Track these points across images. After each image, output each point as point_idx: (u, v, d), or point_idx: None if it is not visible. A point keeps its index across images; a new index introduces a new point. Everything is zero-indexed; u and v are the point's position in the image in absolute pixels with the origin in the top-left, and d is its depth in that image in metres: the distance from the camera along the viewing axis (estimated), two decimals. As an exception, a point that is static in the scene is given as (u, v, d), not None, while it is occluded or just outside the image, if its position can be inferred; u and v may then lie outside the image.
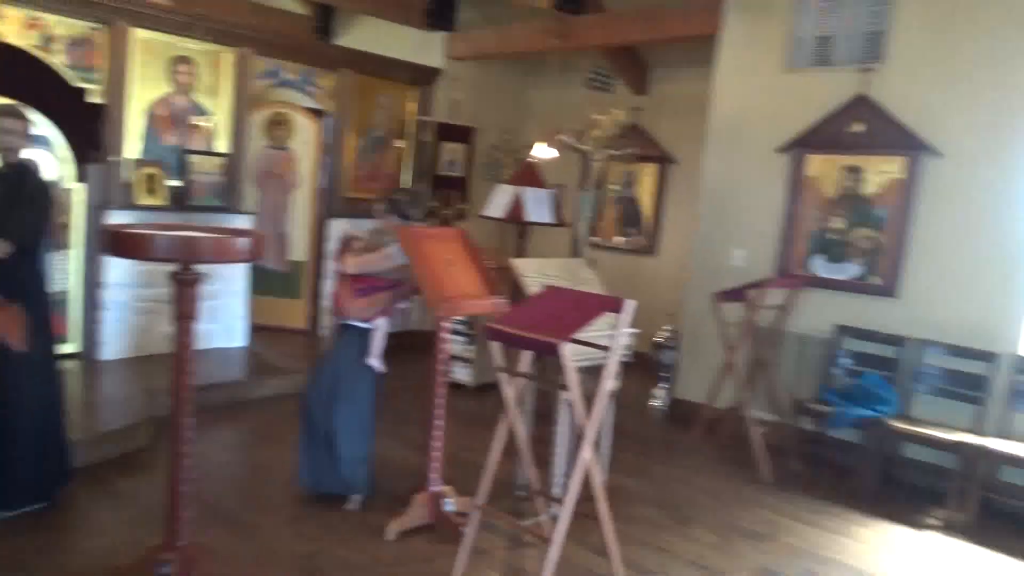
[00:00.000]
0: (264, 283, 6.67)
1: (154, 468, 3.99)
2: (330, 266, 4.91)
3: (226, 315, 6.08)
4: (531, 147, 6.64)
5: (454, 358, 5.88)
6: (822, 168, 5.13)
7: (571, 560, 3.33)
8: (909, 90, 4.75)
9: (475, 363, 6.05)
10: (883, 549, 3.80)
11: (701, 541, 3.71)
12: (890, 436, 4.48)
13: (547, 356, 3.92)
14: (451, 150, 7.60)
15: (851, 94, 4.94)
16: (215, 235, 2.77)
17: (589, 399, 3.07)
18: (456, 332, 5.85)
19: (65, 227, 5.29)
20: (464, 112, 7.64)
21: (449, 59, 7.48)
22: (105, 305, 5.46)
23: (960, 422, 4.47)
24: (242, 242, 2.75)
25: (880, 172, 4.88)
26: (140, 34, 5.49)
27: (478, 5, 7.38)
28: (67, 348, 5.33)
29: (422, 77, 7.40)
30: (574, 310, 3.08)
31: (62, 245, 5.28)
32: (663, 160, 7.24)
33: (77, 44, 5.25)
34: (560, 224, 6.15)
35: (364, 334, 3.79)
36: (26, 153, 3.50)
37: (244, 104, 6.13)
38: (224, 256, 2.82)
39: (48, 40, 5.12)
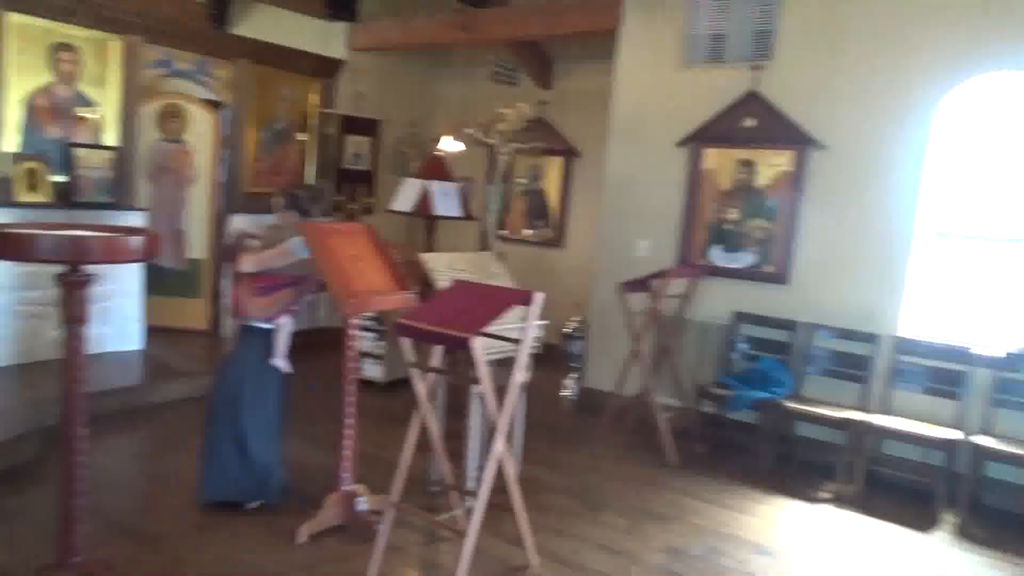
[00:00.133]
0: (160, 283, 6.38)
1: (45, 482, 3.76)
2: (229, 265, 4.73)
3: (119, 317, 5.78)
4: (438, 140, 6.61)
5: (363, 355, 5.81)
6: (718, 161, 5.34)
7: (487, 552, 3.36)
8: (795, 87, 5.01)
9: (385, 359, 5.99)
10: (780, 523, 4.01)
11: (612, 526, 3.82)
12: (785, 416, 4.73)
13: (458, 350, 3.94)
14: (356, 143, 7.47)
15: (743, 90, 5.16)
16: (105, 234, 2.63)
17: (501, 392, 3.10)
18: (365, 328, 5.77)
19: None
20: (369, 105, 7.53)
21: (352, 50, 7.35)
22: (-17, 310, 5.11)
23: (847, 400, 4.76)
24: (134, 241, 2.63)
25: (771, 165, 5.13)
26: (14, 18, 5.13)
27: (380, -4, 7.27)
28: (-60, 357, 4.95)
29: (324, 68, 7.24)
30: (484, 304, 3.10)
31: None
32: (568, 153, 7.35)
33: (-58, 29, 4.87)
34: (468, 218, 6.15)
35: (267, 334, 3.69)
36: None
37: (134, 95, 5.83)
38: (115, 256, 2.68)
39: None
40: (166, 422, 4.89)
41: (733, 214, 5.29)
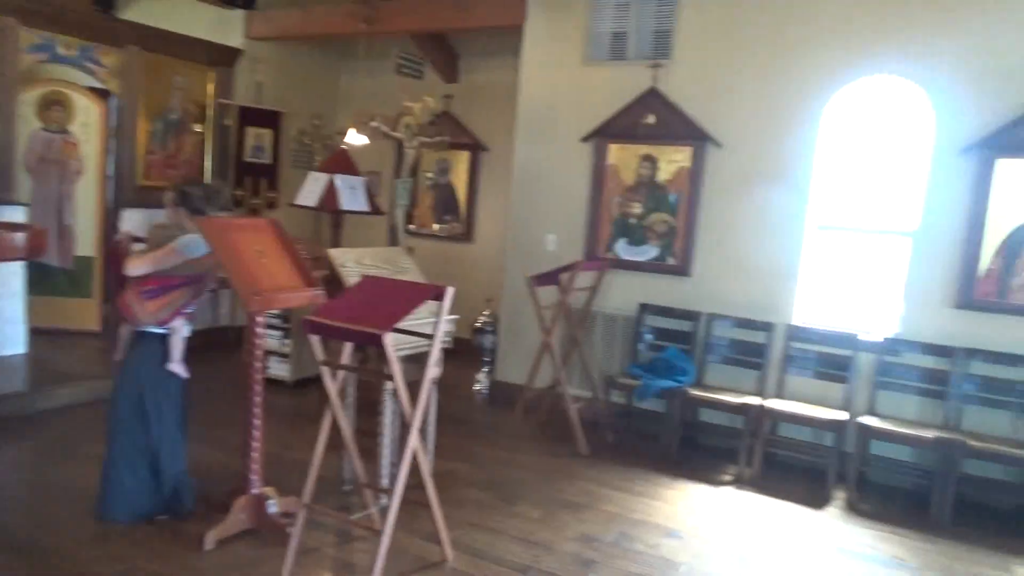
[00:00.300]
0: (46, 282, 5.99)
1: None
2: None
3: (-2, 319, 5.40)
4: (343, 133, 6.48)
5: (270, 354, 5.64)
6: (621, 157, 5.47)
7: (402, 549, 3.34)
8: (693, 85, 5.19)
9: (292, 358, 5.84)
10: (687, 507, 4.17)
11: (526, 516, 3.86)
12: (689, 403, 4.91)
13: (370, 347, 3.89)
14: (257, 135, 7.23)
15: (644, 88, 5.31)
16: (-15, 231, 2.45)
17: (412, 387, 3.08)
18: (271, 326, 5.61)
19: None
20: (269, 96, 7.29)
21: (250, 39, 7.10)
22: None
23: (746, 386, 4.99)
24: (15, 237, 2.46)
25: (671, 161, 5.29)
26: None
27: (280, -17, 7.06)
28: None
29: (221, 57, 6.97)
30: (395, 299, 3.07)
31: None
32: (475, 148, 7.35)
33: None
34: (376, 212, 6.07)
35: (162, 339, 3.51)
36: None
37: (11, 81, 5.44)
38: (-3, 254, 2.50)
39: None
40: (56, 429, 4.60)
41: (637, 208, 5.44)
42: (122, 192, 6.37)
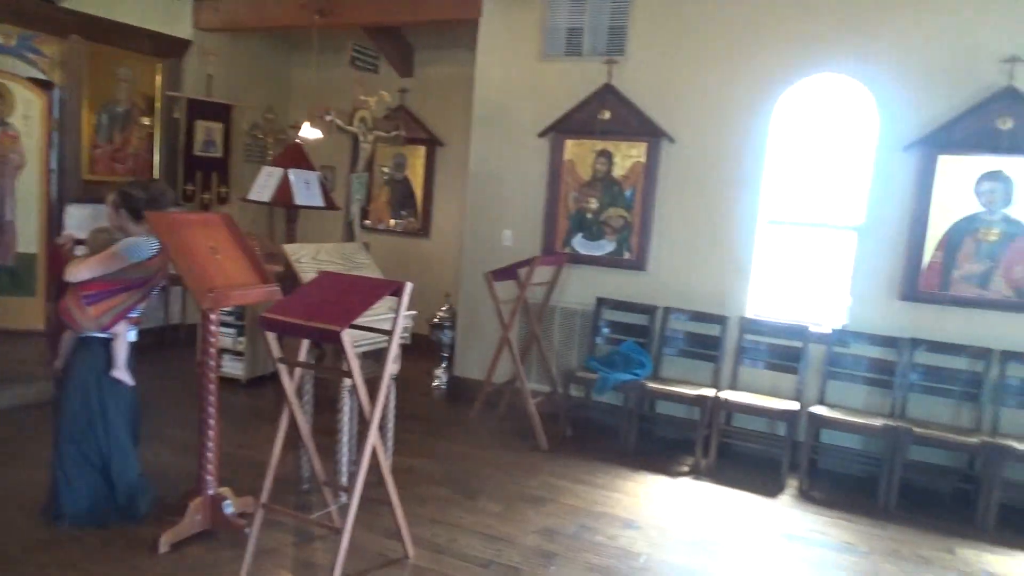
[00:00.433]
0: (-15, 280, 5.78)
1: None
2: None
3: (-66, 320, 5.18)
4: (296, 127, 6.37)
5: (223, 352, 5.54)
6: (578, 152, 5.50)
7: (363, 546, 3.32)
8: (647, 82, 5.24)
9: (246, 356, 5.74)
10: (646, 498, 4.22)
11: (487, 511, 3.87)
12: (646, 396, 4.98)
13: (327, 344, 3.85)
14: (207, 129, 7.06)
15: (599, 84, 5.34)
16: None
17: (370, 384, 3.06)
18: (225, 324, 5.50)
19: None
20: (220, 88, 7.13)
21: (199, 30, 6.93)
22: None
23: (701, 378, 5.07)
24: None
25: (626, 156, 5.34)
26: None
27: (229, -27, 6.90)
28: None
29: (169, 48, 6.78)
30: (352, 295, 3.04)
31: None
32: (432, 142, 7.31)
33: None
34: (331, 207, 6.00)
35: (106, 344, 3.39)
36: None
37: (-55, 71, 5.22)
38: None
39: None
40: (1, 432, 4.45)
41: (593, 203, 5.47)
42: (66, 186, 6.16)
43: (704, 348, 5.13)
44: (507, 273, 5.14)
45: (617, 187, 5.38)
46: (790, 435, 4.61)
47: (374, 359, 3.89)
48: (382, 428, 3.79)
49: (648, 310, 5.29)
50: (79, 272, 3.27)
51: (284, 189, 5.58)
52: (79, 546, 3.22)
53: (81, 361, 3.38)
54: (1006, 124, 4.33)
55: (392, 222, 7.53)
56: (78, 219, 5.42)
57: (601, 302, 5.43)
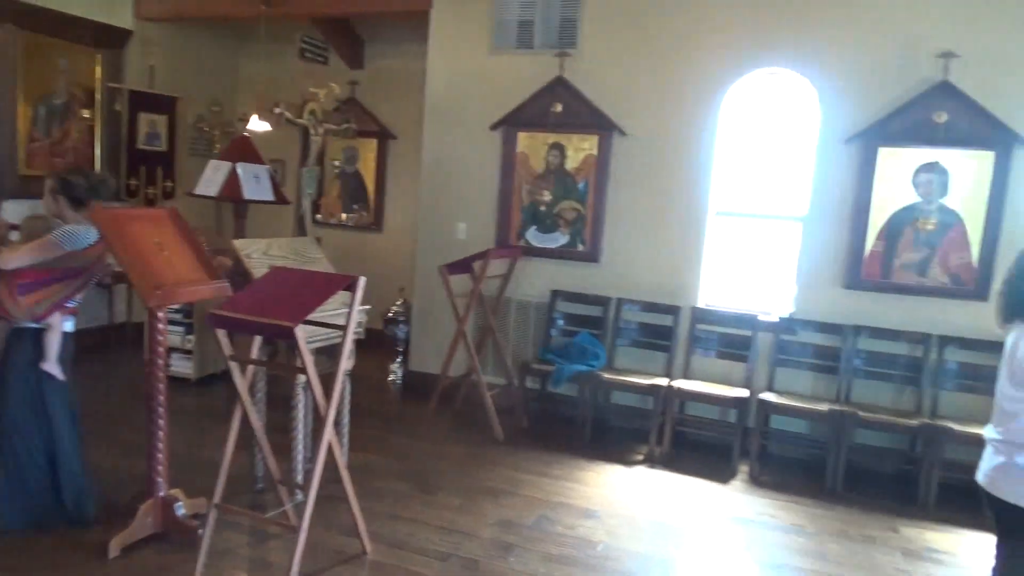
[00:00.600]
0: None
1: None
2: None
3: None
4: (244, 120, 6.24)
5: (172, 350, 5.41)
6: (530, 145, 5.51)
7: (320, 544, 3.29)
8: (598, 75, 5.28)
9: (195, 354, 5.62)
10: (602, 487, 4.27)
11: (445, 505, 3.87)
12: (601, 386, 5.03)
13: (280, 340, 3.79)
14: (151, 122, 6.87)
15: (551, 76, 5.36)
16: None
17: (326, 380, 3.03)
18: (173, 322, 5.38)
19: None
20: (164, 80, 6.94)
21: (140, 20, 6.72)
22: None
23: (655, 368, 5.15)
24: None
25: (579, 149, 5.38)
26: None
27: (171, -39, 6.71)
28: None
29: (109, 39, 6.57)
30: (305, 290, 3.01)
31: None
32: (383, 136, 7.25)
33: None
34: (281, 202, 5.90)
35: (39, 336, 3.28)
36: None
37: None
38: None
39: None
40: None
41: (547, 196, 5.50)
42: (2, 182, 5.93)
43: (657, 338, 5.20)
44: (461, 266, 5.13)
45: (570, 179, 5.41)
46: (741, 422, 4.71)
47: (328, 355, 3.85)
48: (337, 424, 3.75)
49: (602, 301, 5.34)
50: (12, 260, 3.14)
51: (232, 183, 5.46)
52: (24, 551, 3.12)
53: (16, 352, 3.26)
54: (941, 117, 4.49)
55: (344, 216, 7.44)
56: (15, 215, 5.22)
57: (555, 294, 5.46)
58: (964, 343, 4.53)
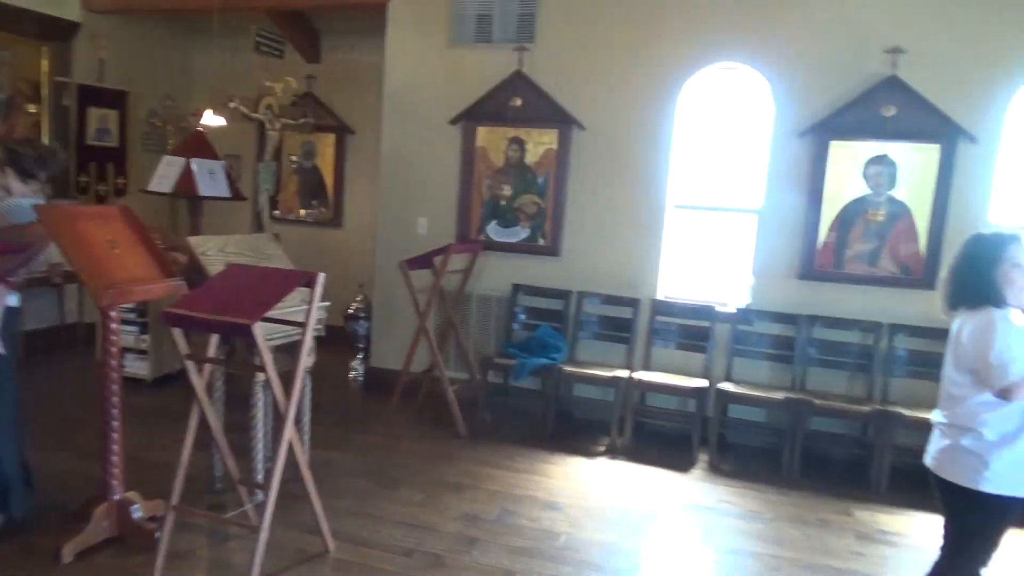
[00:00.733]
0: None
1: None
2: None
3: None
4: (198, 115, 6.12)
5: (126, 350, 5.30)
6: (490, 139, 5.51)
7: (282, 544, 3.26)
8: (557, 69, 5.30)
9: (150, 354, 5.51)
10: (565, 479, 4.31)
11: (408, 501, 3.87)
12: (563, 379, 5.06)
13: (238, 338, 3.74)
14: (101, 117, 6.70)
15: (510, 71, 5.36)
16: None
17: (285, 378, 3.00)
18: (126, 322, 5.26)
19: None
20: (114, 74, 6.77)
21: (88, 12, 6.55)
22: None
23: (615, 360, 5.20)
24: None
25: (538, 143, 5.39)
26: None
27: (120, -48, 6.54)
28: None
29: (55, 31, 6.38)
30: (263, 287, 2.98)
31: None
32: (341, 130, 7.17)
33: None
34: (237, 198, 5.81)
35: None
36: None
37: None
38: None
39: None
40: None
41: (507, 191, 5.50)
42: (-57, 179, 5.73)
43: (617, 330, 5.25)
44: (422, 261, 5.11)
45: (530, 174, 5.43)
46: (700, 412, 4.79)
47: (287, 353, 3.80)
48: (298, 422, 3.72)
49: (563, 295, 5.37)
50: None
51: (187, 179, 5.36)
52: (-28, 561, 3.04)
53: None
54: (890, 111, 4.61)
55: (303, 212, 7.35)
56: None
57: (517, 288, 5.48)
58: (913, 331, 4.66)
